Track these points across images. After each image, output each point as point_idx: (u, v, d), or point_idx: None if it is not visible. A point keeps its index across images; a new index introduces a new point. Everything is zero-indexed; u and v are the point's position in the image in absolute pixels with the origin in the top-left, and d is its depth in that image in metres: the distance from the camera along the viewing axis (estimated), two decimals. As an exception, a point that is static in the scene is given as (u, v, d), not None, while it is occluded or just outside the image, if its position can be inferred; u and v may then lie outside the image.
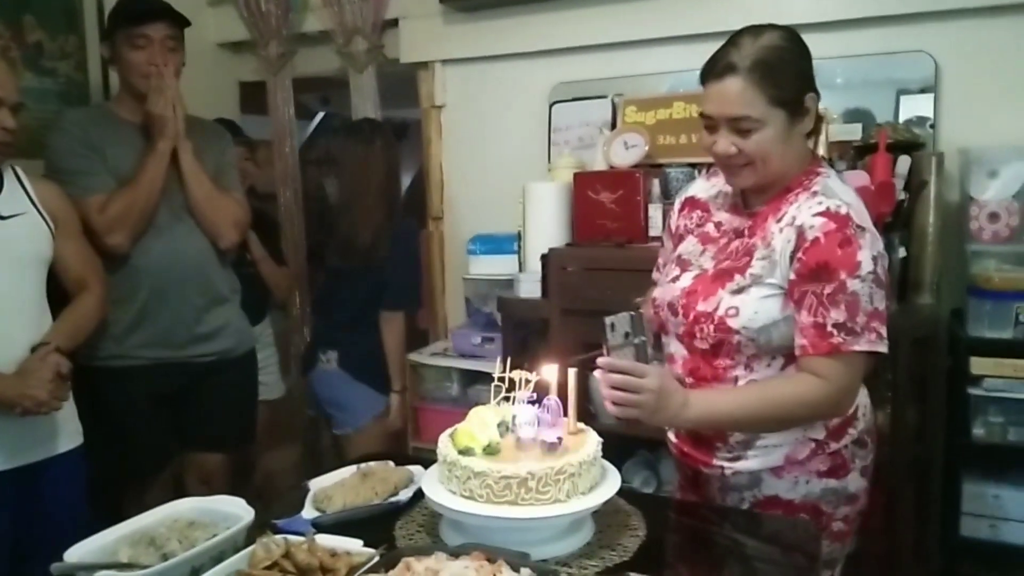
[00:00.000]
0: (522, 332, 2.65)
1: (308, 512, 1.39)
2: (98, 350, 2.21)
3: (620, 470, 1.37)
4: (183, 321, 2.27)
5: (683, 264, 1.56)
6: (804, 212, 1.39)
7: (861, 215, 1.38)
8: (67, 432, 1.94)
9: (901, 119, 2.39)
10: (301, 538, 1.18)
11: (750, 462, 1.48)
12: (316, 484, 1.49)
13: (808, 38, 1.45)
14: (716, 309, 1.43)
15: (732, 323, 1.41)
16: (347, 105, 3.32)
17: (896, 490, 2.08)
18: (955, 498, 2.12)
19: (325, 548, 1.16)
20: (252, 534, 1.22)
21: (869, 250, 1.35)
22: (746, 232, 1.48)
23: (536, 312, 2.53)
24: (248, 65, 3.56)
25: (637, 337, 1.36)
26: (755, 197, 1.50)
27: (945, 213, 2.23)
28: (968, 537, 2.11)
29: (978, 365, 2.04)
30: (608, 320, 1.36)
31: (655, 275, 1.71)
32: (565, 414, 1.34)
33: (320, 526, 1.30)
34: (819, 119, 1.47)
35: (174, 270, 2.24)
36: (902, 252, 2.14)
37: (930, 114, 2.38)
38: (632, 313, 1.37)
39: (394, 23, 3.14)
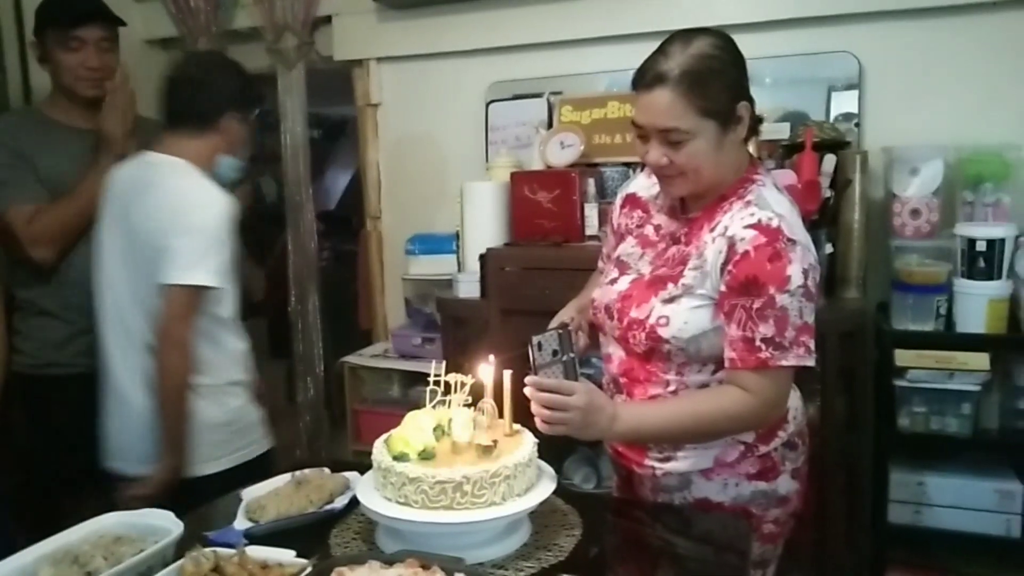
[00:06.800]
0: (462, 332, 2.63)
1: (240, 523, 1.36)
2: (39, 358, 2.16)
3: (560, 467, 1.38)
4: None
5: (622, 266, 1.56)
6: (736, 223, 1.38)
7: (793, 227, 1.37)
8: None
9: (832, 117, 2.45)
10: (232, 551, 1.16)
11: (680, 463, 1.50)
12: (249, 494, 1.46)
13: (738, 38, 1.43)
14: (648, 317, 1.44)
15: (662, 332, 1.42)
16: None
17: (826, 480, 2.13)
18: (883, 486, 2.19)
19: (256, 560, 1.14)
20: (182, 548, 1.19)
21: (800, 264, 1.35)
22: (682, 239, 1.49)
23: (475, 312, 2.52)
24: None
25: (565, 355, 1.36)
26: (692, 202, 1.50)
27: (870, 210, 2.30)
28: (895, 523, 2.18)
29: (902, 357, 2.10)
30: (535, 339, 1.36)
31: (600, 265, 1.72)
32: (501, 416, 1.35)
33: (253, 537, 1.28)
34: (757, 122, 1.46)
35: None
36: (829, 248, 2.20)
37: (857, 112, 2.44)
38: (560, 331, 1.38)
39: (328, 20, 3.10)
